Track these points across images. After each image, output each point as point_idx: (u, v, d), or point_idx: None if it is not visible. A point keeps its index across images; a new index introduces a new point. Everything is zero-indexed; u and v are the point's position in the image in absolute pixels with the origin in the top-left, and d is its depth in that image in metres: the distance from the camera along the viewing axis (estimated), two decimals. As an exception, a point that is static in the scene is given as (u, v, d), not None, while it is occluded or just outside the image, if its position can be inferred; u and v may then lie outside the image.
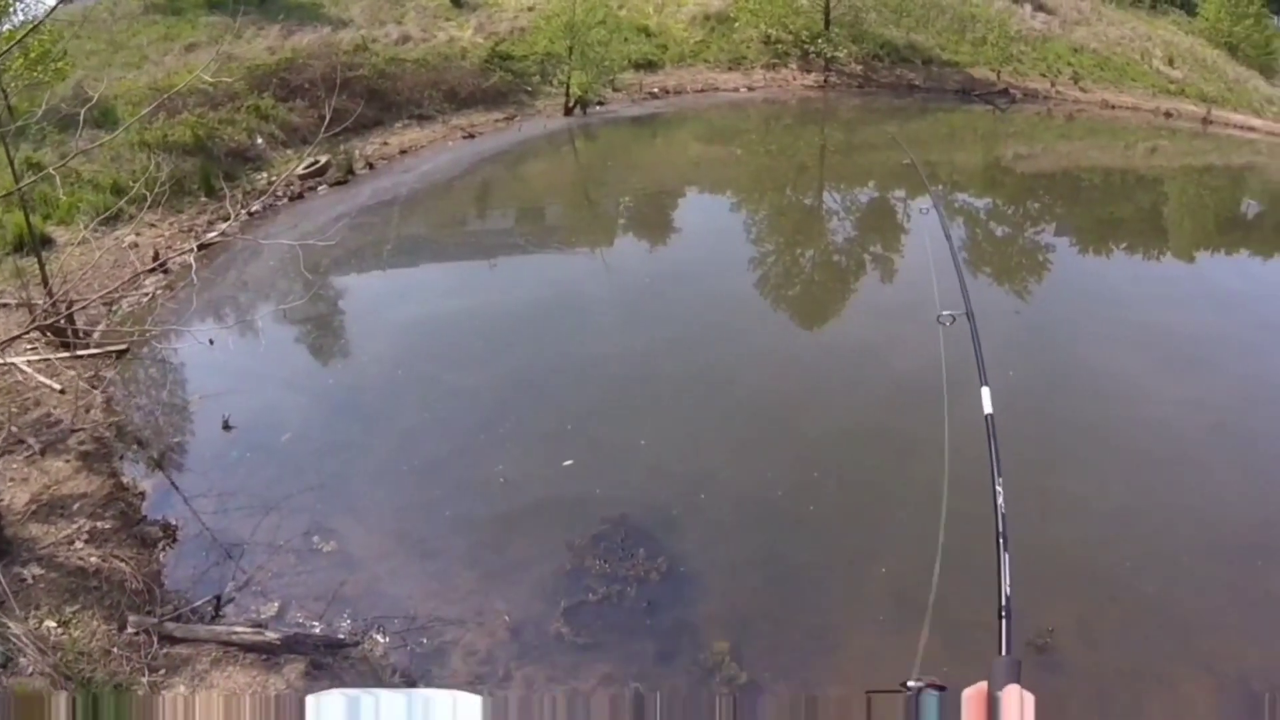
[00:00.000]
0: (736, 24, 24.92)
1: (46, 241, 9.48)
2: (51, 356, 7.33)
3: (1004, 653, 0.97)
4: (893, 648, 4.58)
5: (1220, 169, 21.16)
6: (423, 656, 4.69)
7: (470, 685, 4.47)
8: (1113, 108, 25.18)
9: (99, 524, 5.41)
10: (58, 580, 4.72)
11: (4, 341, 5.92)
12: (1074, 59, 26.93)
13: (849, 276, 11.74)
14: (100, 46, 16.65)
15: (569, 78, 19.37)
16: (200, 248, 8.85)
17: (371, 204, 13.21)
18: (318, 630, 4.83)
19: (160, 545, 5.52)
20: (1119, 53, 27.62)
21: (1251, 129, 24.87)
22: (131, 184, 9.94)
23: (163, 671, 4.37)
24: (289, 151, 14.47)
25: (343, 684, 4.37)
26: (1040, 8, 28.87)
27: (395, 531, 5.78)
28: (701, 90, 22.90)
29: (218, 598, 5.02)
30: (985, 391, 1.63)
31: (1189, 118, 24.86)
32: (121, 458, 6.49)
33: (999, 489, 1.25)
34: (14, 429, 6.28)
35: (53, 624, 4.42)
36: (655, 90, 22.20)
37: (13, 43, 7.66)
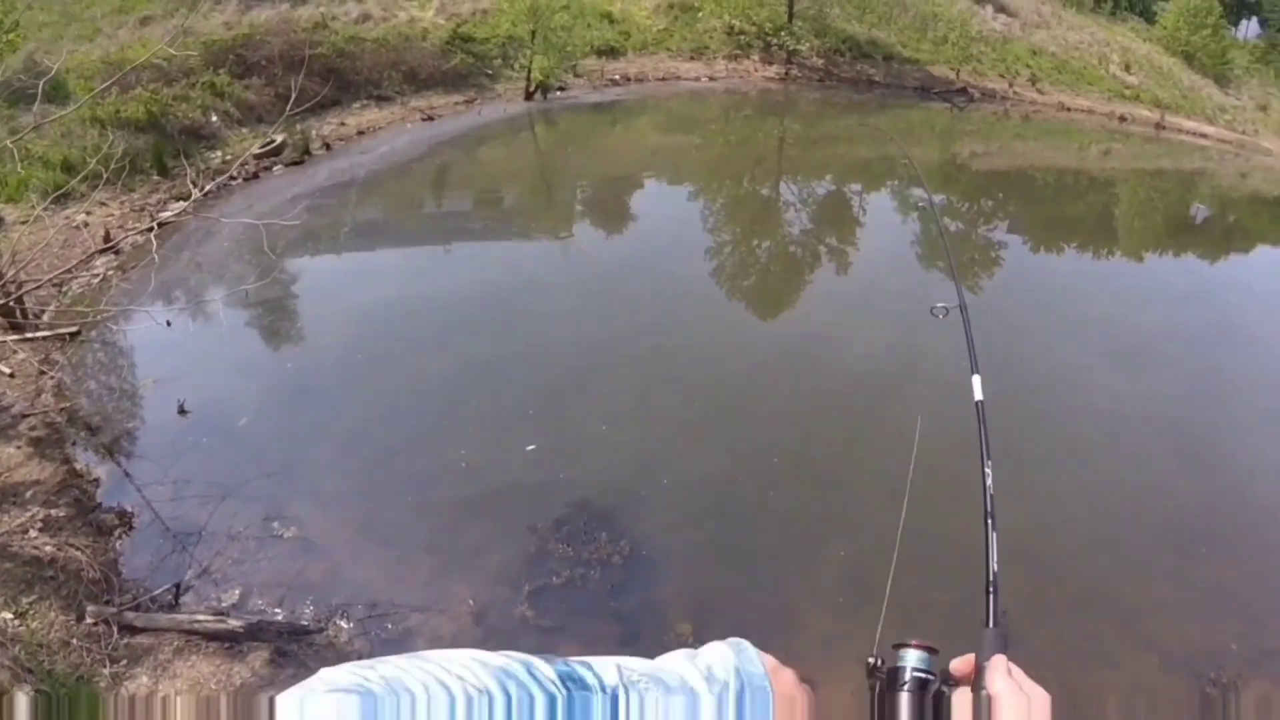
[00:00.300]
0: (700, 13, 24.98)
1: (-5, 219, 9.17)
2: (1, 338, 7.10)
3: (991, 625, 1.04)
4: (850, 628, 4.73)
5: (1171, 173, 21.84)
6: (387, 642, 4.69)
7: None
8: (1068, 110, 25.80)
9: (53, 512, 5.28)
10: (12, 570, 4.59)
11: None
12: (1033, 61, 27.52)
13: (804, 268, 11.91)
14: (53, 18, 16.03)
15: (530, 62, 19.24)
16: (158, 226, 8.61)
17: (329, 185, 13.00)
18: (280, 617, 4.78)
19: (116, 533, 5.39)
20: (1077, 56, 28.30)
21: (1204, 135, 25.73)
22: (85, 161, 9.61)
23: (124, 662, 4.29)
24: (244, 130, 14.14)
25: (309, 671, 4.35)
26: (1001, 9, 29.43)
27: (357, 517, 5.73)
28: (663, 79, 22.92)
29: (177, 585, 4.93)
30: (976, 379, 1.73)
31: (1143, 123, 25.60)
32: (74, 444, 6.32)
33: (988, 470, 1.35)
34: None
35: (9, 615, 4.30)
36: (617, 77, 22.16)
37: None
